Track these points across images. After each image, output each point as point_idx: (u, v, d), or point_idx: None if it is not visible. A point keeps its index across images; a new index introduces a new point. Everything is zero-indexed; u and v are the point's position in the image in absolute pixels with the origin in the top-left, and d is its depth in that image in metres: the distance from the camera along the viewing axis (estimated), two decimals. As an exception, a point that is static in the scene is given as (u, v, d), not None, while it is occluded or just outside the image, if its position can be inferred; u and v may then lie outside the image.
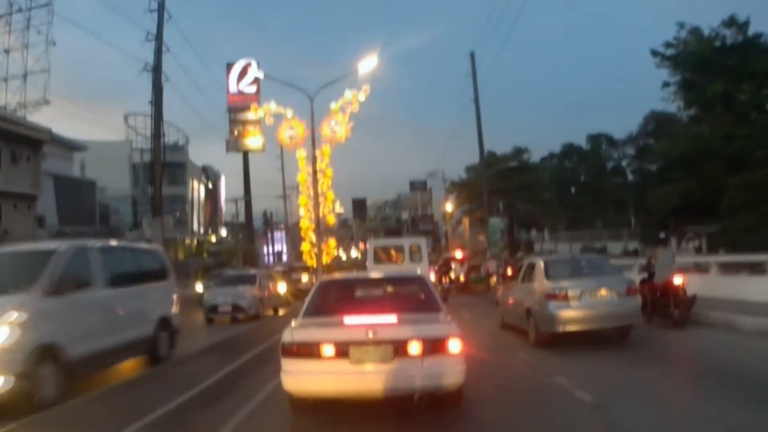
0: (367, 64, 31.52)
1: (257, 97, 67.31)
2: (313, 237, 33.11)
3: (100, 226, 50.61)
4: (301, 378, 6.93)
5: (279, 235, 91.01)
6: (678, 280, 14.38)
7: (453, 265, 33.56)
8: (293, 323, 7.39)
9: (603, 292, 12.21)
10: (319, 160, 32.61)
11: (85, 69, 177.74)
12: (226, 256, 65.38)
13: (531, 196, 64.93)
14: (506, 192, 61.03)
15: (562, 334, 11.99)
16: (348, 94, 33.47)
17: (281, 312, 25.58)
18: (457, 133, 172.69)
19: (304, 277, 35.58)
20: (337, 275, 10.36)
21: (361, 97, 33.43)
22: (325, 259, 32.21)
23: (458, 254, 36.60)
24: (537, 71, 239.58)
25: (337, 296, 8.61)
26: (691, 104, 44.55)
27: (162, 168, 31.34)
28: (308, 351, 6.82)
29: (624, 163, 73.79)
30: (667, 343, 12.64)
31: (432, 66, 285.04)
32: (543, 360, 11.13)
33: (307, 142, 32.93)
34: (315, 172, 31.96)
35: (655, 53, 46.28)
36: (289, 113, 34.48)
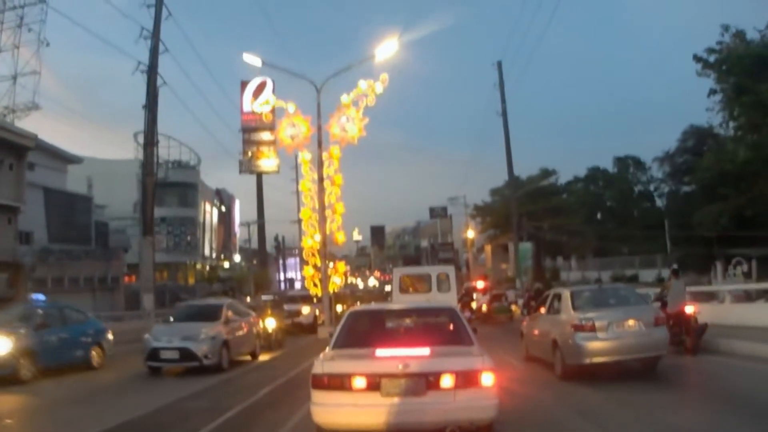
0: (386, 49, 28.48)
1: (272, 116, 67.92)
2: (317, 259, 27.55)
3: (97, 246, 49.57)
4: (331, 410, 7.04)
5: (293, 261, 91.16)
6: (689, 309, 15.47)
7: (475, 295, 33.88)
8: (323, 354, 7.54)
9: (631, 322, 12.40)
10: (326, 164, 27.61)
11: (96, 84, 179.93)
12: (237, 282, 65.58)
13: (559, 221, 63.49)
14: (534, 216, 59.93)
15: (590, 365, 12.12)
16: (362, 84, 27.70)
17: (265, 357, 20.25)
18: (479, 157, 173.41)
19: (305, 309, 30.41)
20: (357, 306, 10.33)
21: (379, 88, 27.62)
22: (333, 287, 27.62)
23: (480, 284, 36.86)
24: (560, 93, 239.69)
25: (367, 327, 8.76)
26: (744, 111, 41.40)
27: (154, 180, 30.82)
28: (339, 383, 6.94)
29: (652, 187, 72.84)
30: (684, 371, 13.26)
31: (451, 90, 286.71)
32: (570, 393, 11.31)
33: (313, 142, 27.92)
34: (321, 179, 27.06)
35: (698, 59, 44.26)
36: (291, 107, 28.37)
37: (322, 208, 27.72)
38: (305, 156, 28.86)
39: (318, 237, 28.79)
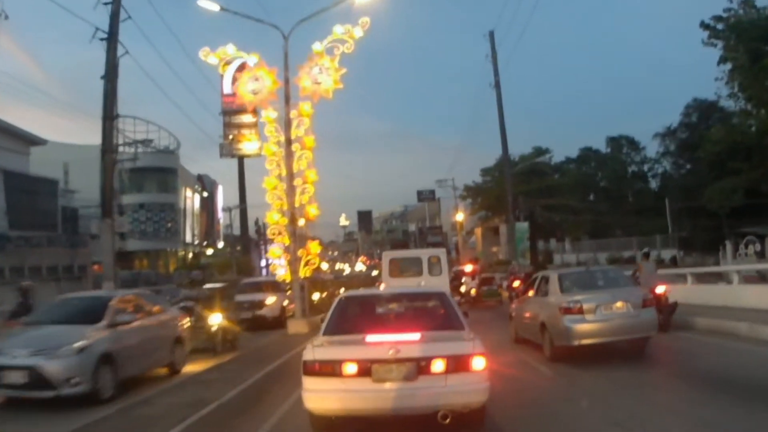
0: None
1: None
2: (286, 238, 22.81)
3: (64, 233, 47.71)
4: (322, 396, 7.27)
5: (275, 246, 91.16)
6: (660, 289, 16.55)
7: (463, 279, 34.15)
8: (314, 341, 7.75)
9: (619, 304, 12.74)
10: (294, 124, 22.95)
11: (75, 69, 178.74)
12: (218, 269, 65.55)
13: (554, 202, 63.39)
14: (528, 196, 59.88)
15: (578, 347, 12.50)
16: (339, 29, 23.45)
17: (197, 367, 14.53)
18: (468, 142, 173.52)
19: (270, 299, 25.92)
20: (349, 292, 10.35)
21: (358, 32, 23.38)
22: (305, 272, 22.80)
23: (468, 267, 37.05)
24: (550, 74, 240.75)
25: (357, 313, 8.96)
26: (757, 78, 40.07)
27: (113, 157, 28.04)
28: (330, 369, 7.16)
29: (646, 167, 73.14)
30: (662, 349, 13.84)
31: (440, 75, 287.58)
32: (560, 375, 11.67)
33: (280, 98, 23.56)
34: (289, 142, 22.62)
35: (705, 26, 43.60)
36: (253, 59, 24.34)
37: (291, 176, 22.60)
38: (270, 115, 23.41)
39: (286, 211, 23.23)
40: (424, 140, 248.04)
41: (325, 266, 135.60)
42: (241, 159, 71.41)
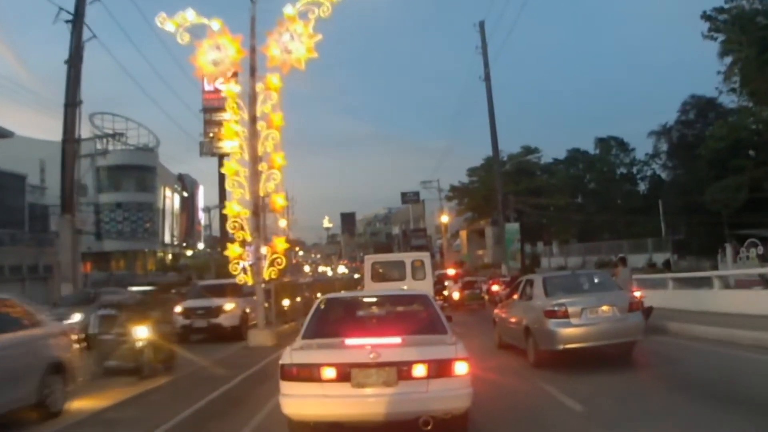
0: None
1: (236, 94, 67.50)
2: (247, 232, 19.36)
3: (31, 231, 46.23)
4: (300, 401, 7.19)
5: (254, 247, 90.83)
6: (636, 294, 16.40)
7: (446, 282, 34.79)
8: (293, 344, 7.71)
9: (605, 308, 12.72)
10: (260, 99, 19.78)
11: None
12: (197, 270, 65.17)
13: (544, 202, 62.92)
14: (516, 197, 58.52)
15: (563, 351, 12.48)
16: None
17: (100, 401, 10.54)
18: (453, 143, 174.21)
19: (228, 305, 22.43)
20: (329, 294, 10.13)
21: None
22: (270, 273, 19.42)
23: (451, 271, 37.83)
24: (538, 73, 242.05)
25: (337, 316, 8.92)
26: (762, 71, 39.02)
27: (75, 148, 26.43)
28: (308, 374, 7.08)
29: (635, 169, 72.96)
30: (642, 352, 13.76)
31: (425, 78, 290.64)
32: (544, 380, 11.59)
33: (244, 70, 20.74)
34: (254, 119, 19.43)
35: (708, 17, 42.88)
36: (216, 25, 20.38)
37: (254, 159, 19.35)
38: (231, 88, 20.24)
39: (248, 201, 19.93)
40: (409, 142, 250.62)
41: (307, 268, 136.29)
42: (221, 157, 70.59)
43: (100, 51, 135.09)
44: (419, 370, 6.98)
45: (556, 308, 12.63)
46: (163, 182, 75.43)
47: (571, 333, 12.39)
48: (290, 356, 7.26)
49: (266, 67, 20.21)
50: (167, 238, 78.55)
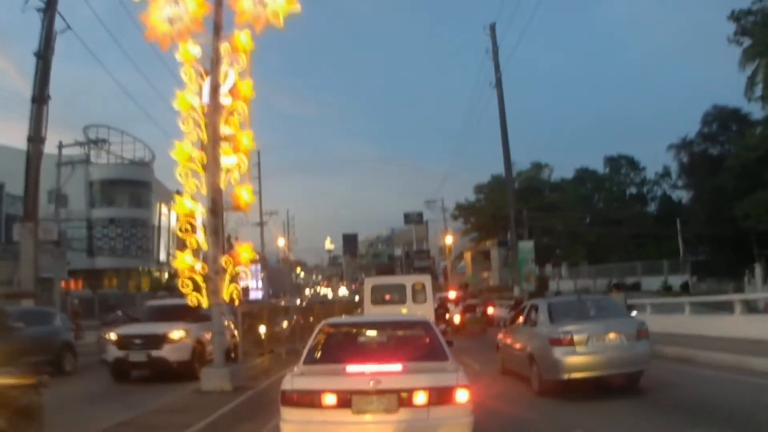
0: None
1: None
2: (198, 236, 14.74)
3: (9, 242, 43.31)
4: (301, 428, 7.27)
5: (254, 268, 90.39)
6: None
7: (449, 306, 34.20)
8: (294, 370, 7.83)
9: (612, 335, 12.55)
10: (225, 63, 15.62)
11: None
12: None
13: (556, 221, 61.44)
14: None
15: (568, 381, 12.29)
16: None
17: None
18: (456, 165, 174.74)
19: (175, 334, 17.53)
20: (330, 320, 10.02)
21: None
22: (231, 291, 14.55)
23: (452, 294, 37.60)
24: (546, 91, 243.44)
25: (338, 341, 8.98)
26: None
27: (41, 148, 24.35)
28: (309, 400, 7.17)
29: (645, 189, 72.46)
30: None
31: (429, 99, 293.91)
32: (548, 410, 11.50)
33: (207, 29, 15.66)
34: (215, 88, 14.98)
35: (735, 18, 42.31)
36: None
37: (215, 140, 14.71)
38: (189, 50, 15.38)
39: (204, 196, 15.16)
40: (412, 164, 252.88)
41: (307, 291, 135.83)
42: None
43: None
44: (420, 398, 7.03)
45: (561, 336, 12.46)
46: (159, 198, 75.06)
47: (576, 362, 12.22)
48: (291, 382, 7.33)
49: (235, 25, 15.60)
50: (162, 257, 78.21)
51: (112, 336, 17.84)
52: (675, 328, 22.20)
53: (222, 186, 14.64)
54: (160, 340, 17.34)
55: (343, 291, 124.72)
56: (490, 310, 36.59)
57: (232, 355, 17.60)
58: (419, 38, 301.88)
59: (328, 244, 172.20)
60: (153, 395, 13.99)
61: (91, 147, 47.82)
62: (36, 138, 23.90)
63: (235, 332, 18.20)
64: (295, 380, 7.39)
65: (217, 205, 14.55)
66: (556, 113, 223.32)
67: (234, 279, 14.39)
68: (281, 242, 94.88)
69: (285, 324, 24.85)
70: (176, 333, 17.52)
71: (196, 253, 14.60)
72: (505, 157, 40.33)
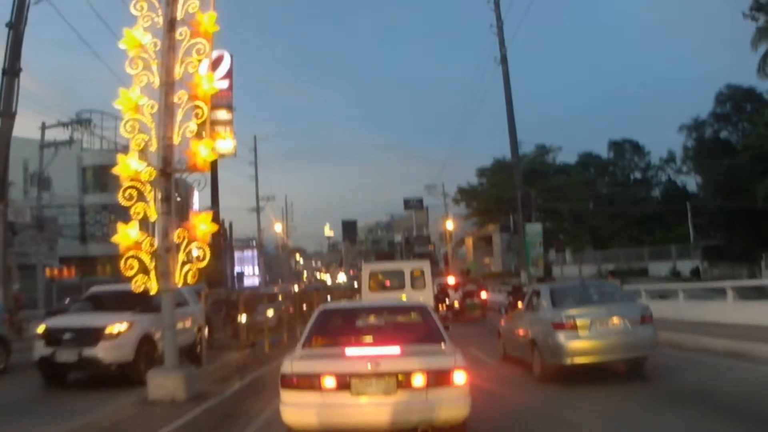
0: None
1: (230, 93, 67.08)
2: (151, 208, 11.44)
3: None
4: (300, 410, 7.43)
5: (250, 254, 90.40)
6: None
7: (449, 292, 34.67)
8: (293, 353, 8.00)
9: (615, 320, 12.50)
10: None
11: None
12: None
13: (560, 205, 60.60)
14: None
15: (571, 366, 12.26)
16: None
17: None
18: (459, 148, 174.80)
19: (117, 327, 14.10)
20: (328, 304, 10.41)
21: None
22: (183, 276, 11.39)
23: (451, 280, 37.91)
24: (548, 74, 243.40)
25: (337, 326, 9.27)
26: None
27: (12, 122, 23.12)
28: (308, 383, 7.35)
29: (650, 174, 72.20)
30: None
31: (427, 85, 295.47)
32: (549, 395, 11.53)
33: None
34: (172, 24, 12.05)
35: None
36: None
37: (169, 84, 11.81)
38: None
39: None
40: (412, 151, 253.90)
41: (306, 278, 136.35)
42: (212, 161, 69.87)
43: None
44: (418, 380, 7.21)
45: (564, 320, 12.40)
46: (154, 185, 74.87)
47: (579, 346, 12.17)
48: (291, 365, 7.48)
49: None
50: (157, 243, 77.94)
51: (40, 329, 14.65)
52: (671, 314, 21.94)
53: (176, 141, 11.57)
54: (95, 335, 13.81)
55: (342, 277, 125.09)
56: (483, 295, 36.98)
57: (198, 350, 16.39)
58: (419, 24, 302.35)
59: (328, 231, 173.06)
60: (84, 405, 11.59)
61: (75, 128, 46.07)
62: (6, 113, 23.00)
63: (202, 324, 16.48)
64: (294, 363, 7.51)
65: (169, 165, 11.49)
66: (558, 98, 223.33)
67: (189, 258, 11.34)
68: (278, 228, 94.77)
69: (271, 312, 23.19)
70: (116, 326, 13.96)
71: (143, 226, 11.58)
72: (510, 135, 39.43)
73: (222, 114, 67.10)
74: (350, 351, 7.75)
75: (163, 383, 10.73)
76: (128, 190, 11.34)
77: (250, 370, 13.70)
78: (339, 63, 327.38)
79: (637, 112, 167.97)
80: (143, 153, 11.49)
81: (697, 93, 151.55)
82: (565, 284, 17.09)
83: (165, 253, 11.21)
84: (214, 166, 69.34)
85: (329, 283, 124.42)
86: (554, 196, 59.78)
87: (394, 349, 7.69)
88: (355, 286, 54.96)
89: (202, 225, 11.51)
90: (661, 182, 72.08)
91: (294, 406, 7.42)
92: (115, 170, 11.55)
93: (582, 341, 12.18)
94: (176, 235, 11.41)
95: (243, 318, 18.21)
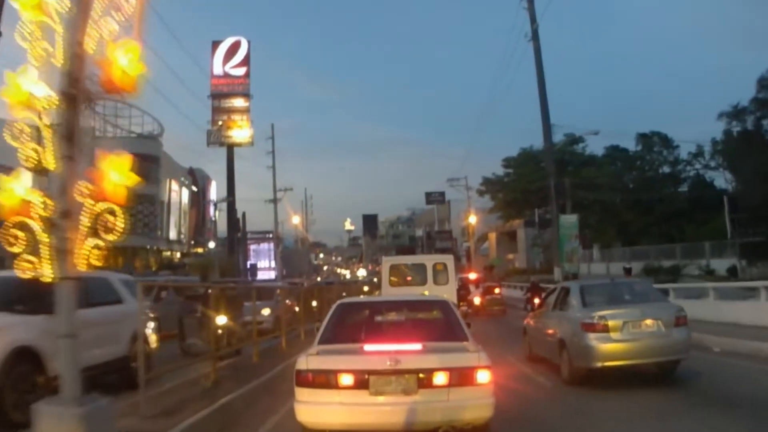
0: None
1: (247, 80, 66.83)
2: (45, 147, 7.18)
3: None
4: (316, 409, 7.27)
5: (266, 246, 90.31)
6: None
7: (469, 287, 35.13)
8: (309, 350, 7.80)
9: (648, 321, 12.21)
10: None
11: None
12: (199, 270, 63.93)
13: (590, 198, 59.01)
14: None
15: (601, 369, 12.00)
16: None
17: None
18: (482, 141, 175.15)
19: None
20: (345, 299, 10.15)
21: None
22: (87, 253, 7.14)
23: (472, 275, 39.19)
24: (577, 66, 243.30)
25: (355, 321, 9.15)
26: None
27: None
28: (324, 380, 7.21)
29: (678, 168, 70.83)
30: None
31: (447, 82, 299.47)
32: (577, 398, 11.28)
33: None
34: None
35: None
36: None
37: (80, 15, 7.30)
38: None
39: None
40: (433, 146, 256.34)
41: (324, 272, 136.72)
42: (230, 147, 69.08)
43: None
44: (440, 378, 7.06)
45: (595, 320, 12.14)
46: (169, 174, 74.82)
47: (611, 349, 11.89)
48: (306, 362, 7.35)
49: None
50: (173, 235, 77.92)
51: None
52: (702, 314, 21.43)
53: (90, 49, 7.46)
54: None
55: (361, 272, 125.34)
56: (497, 291, 37.91)
57: (133, 365, 11.59)
58: (441, 19, 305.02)
59: (348, 225, 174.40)
60: None
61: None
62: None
63: (142, 329, 11.57)
64: (310, 359, 7.37)
65: (75, 84, 7.31)
66: (584, 89, 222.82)
67: (97, 227, 7.40)
68: (296, 220, 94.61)
69: (267, 311, 21.84)
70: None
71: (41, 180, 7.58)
72: (543, 116, 37.86)
73: (238, 102, 67.52)
74: (369, 347, 7.65)
75: (55, 426, 6.83)
76: (17, 130, 7.38)
77: (221, 392, 10.68)
78: (360, 59, 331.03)
79: (665, 105, 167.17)
80: (44, 70, 7.38)
81: (723, 85, 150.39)
82: (596, 282, 16.56)
83: (62, 219, 7.16)
84: (230, 156, 69.73)
85: (348, 277, 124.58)
86: (584, 189, 57.76)
87: (415, 346, 7.53)
88: (375, 281, 54.80)
89: (112, 174, 7.52)
90: (689, 177, 70.74)
91: (309, 405, 7.25)
92: (0, 94, 7.29)
93: (614, 343, 11.90)
94: (80, 190, 7.34)
95: (220, 319, 14.61)
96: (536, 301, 34.28)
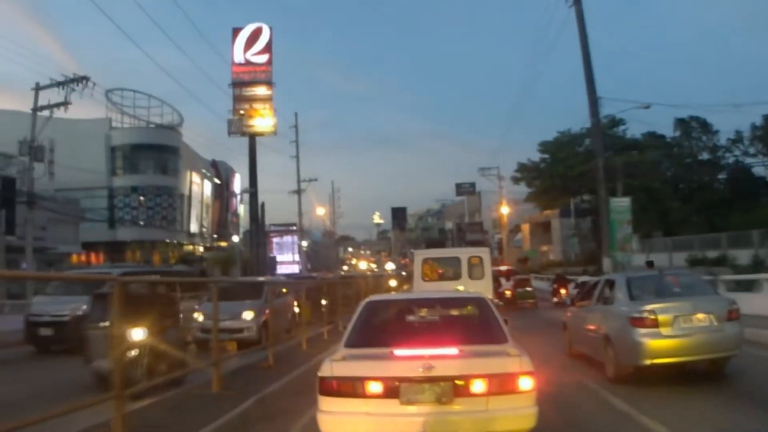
0: None
1: (269, 68, 66.24)
2: None
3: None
4: (341, 419, 6.89)
5: (290, 239, 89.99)
6: None
7: (501, 280, 35.86)
8: (334, 355, 7.40)
9: (700, 315, 11.90)
10: None
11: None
12: (219, 265, 63.48)
13: (636, 182, 54.94)
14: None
15: (650, 367, 11.65)
16: None
17: None
18: (513, 132, 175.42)
19: None
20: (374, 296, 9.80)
21: None
22: None
23: (503, 268, 39.68)
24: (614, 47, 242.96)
25: (384, 322, 8.77)
26: None
27: None
28: (350, 388, 6.83)
29: (717, 155, 69.33)
30: None
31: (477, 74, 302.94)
32: (625, 397, 10.80)
33: None
34: None
35: None
36: None
37: None
38: None
39: None
40: (464, 139, 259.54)
41: (345, 267, 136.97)
42: (252, 137, 67.74)
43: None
44: (478, 386, 6.70)
45: (644, 315, 11.75)
46: (190, 166, 74.76)
47: (661, 345, 11.54)
48: (330, 368, 6.99)
49: None
50: (194, 228, 77.82)
51: None
52: (752, 308, 20.48)
53: None
54: None
55: (390, 266, 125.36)
56: (528, 284, 38.76)
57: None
58: (470, 12, 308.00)
59: (377, 219, 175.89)
60: None
61: (71, 88, 41.86)
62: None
63: None
64: (334, 366, 6.99)
65: None
66: (623, 74, 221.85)
67: None
68: (320, 212, 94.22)
69: (250, 315, 18.55)
70: None
71: None
72: (588, 90, 35.22)
73: (261, 90, 66.80)
74: (400, 351, 7.17)
75: None
76: None
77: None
78: (390, 52, 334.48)
79: (704, 91, 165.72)
80: None
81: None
82: (643, 274, 15.97)
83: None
84: (252, 146, 69.20)
85: (376, 270, 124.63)
86: (627, 173, 55.82)
87: (451, 350, 7.12)
88: (403, 274, 54.39)
89: None
90: (728, 164, 69.57)
91: (334, 415, 6.86)
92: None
93: (664, 339, 11.54)
94: None
95: (134, 333, 10.37)
96: (562, 291, 35.59)
